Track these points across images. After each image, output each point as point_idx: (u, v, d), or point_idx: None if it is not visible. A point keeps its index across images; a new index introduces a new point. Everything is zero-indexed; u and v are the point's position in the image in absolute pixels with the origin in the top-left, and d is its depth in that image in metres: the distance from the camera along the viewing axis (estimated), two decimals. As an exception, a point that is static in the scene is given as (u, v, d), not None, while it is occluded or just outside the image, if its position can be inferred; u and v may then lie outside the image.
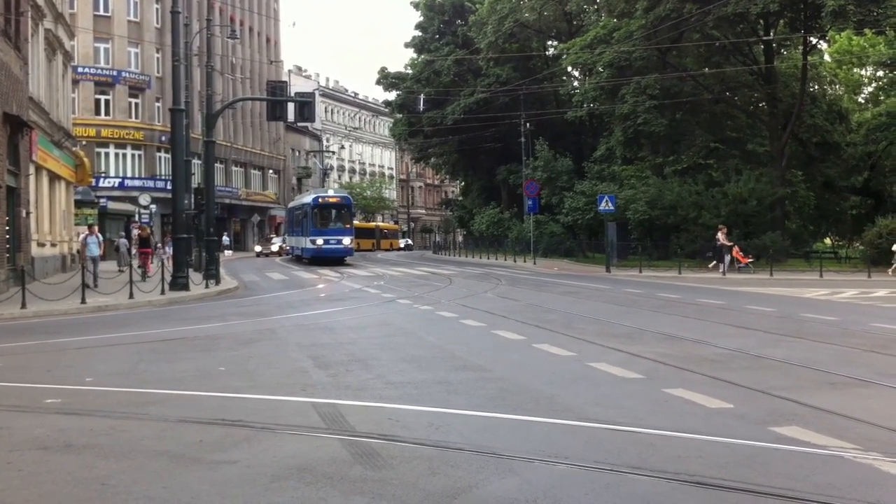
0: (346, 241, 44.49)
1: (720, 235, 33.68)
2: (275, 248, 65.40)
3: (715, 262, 33.64)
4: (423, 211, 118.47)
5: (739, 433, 6.80)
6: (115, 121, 57.59)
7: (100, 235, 26.51)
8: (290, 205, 60.59)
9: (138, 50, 59.28)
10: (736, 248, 33.75)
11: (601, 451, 6.30)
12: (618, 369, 9.94)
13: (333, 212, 44.60)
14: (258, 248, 67.64)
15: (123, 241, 38.84)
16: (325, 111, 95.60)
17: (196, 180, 38.41)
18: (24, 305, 18.59)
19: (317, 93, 69.52)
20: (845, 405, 7.89)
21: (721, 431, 6.86)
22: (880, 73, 54.00)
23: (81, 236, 28.83)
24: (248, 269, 41.45)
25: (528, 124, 53.50)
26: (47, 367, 11.12)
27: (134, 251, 36.39)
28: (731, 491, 5.32)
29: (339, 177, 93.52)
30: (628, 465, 5.87)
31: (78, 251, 36.93)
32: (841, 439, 6.54)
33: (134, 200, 48.63)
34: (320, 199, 45.06)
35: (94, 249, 25.49)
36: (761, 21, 40.38)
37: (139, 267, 29.49)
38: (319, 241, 43.47)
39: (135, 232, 38.25)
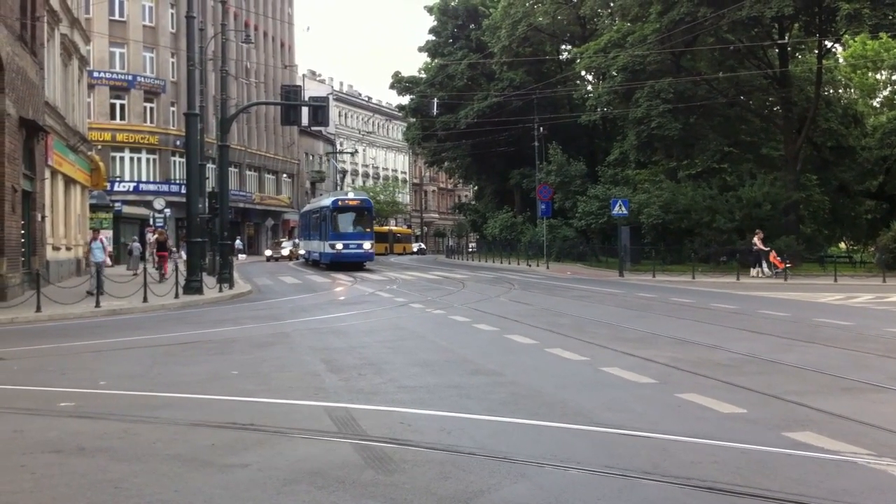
0: (367, 245, 42.64)
1: (756, 240, 33.51)
2: (285, 251, 64.22)
3: (755, 267, 33.30)
4: (437, 215, 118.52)
5: (752, 438, 6.77)
6: (130, 125, 57.89)
7: (104, 240, 25.75)
8: (305, 208, 59.44)
9: (153, 55, 59.60)
10: (773, 253, 33.46)
11: (613, 457, 6.29)
12: (630, 374, 9.92)
13: (353, 215, 42.86)
14: (268, 252, 66.04)
15: (136, 244, 39.06)
16: (339, 115, 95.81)
17: (210, 184, 38.60)
18: (38, 309, 18.69)
19: (330, 97, 69.64)
20: (859, 410, 7.85)
21: (734, 436, 6.83)
22: (895, 77, 53.74)
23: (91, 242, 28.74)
24: (261, 272, 41.55)
25: (541, 128, 53.42)
26: (61, 370, 11.17)
27: (150, 254, 36.63)
28: (744, 496, 5.30)
29: (353, 181, 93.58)
30: (640, 471, 5.86)
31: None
32: (854, 445, 6.51)
33: (149, 204, 48.85)
34: (340, 202, 43.32)
35: (99, 255, 24.36)
36: (776, 25, 40.22)
37: (156, 268, 29.60)
38: (339, 245, 41.59)
39: (151, 236, 38.38)
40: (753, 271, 32.84)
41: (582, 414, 7.84)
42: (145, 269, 24.47)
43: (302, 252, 57.33)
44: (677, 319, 17.28)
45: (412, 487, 5.51)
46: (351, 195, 45.96)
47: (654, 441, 6.76)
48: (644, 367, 10.41)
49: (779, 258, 33.25)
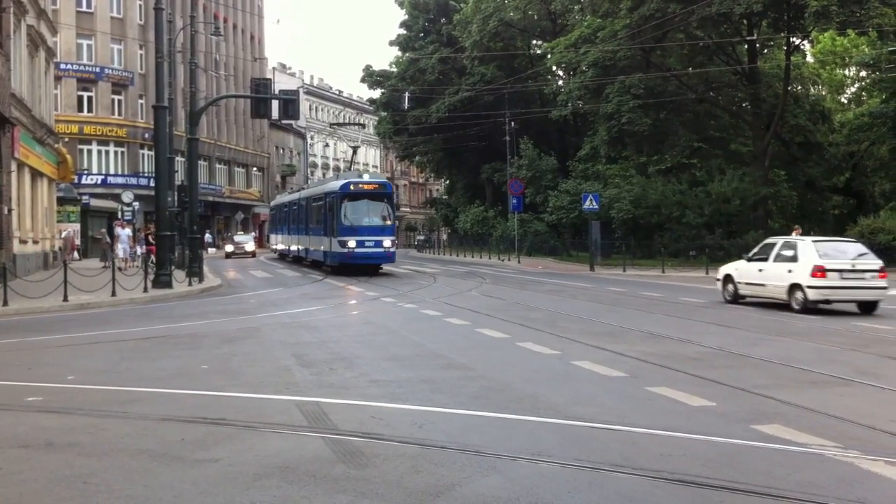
0: (388, 242, 32.56)
1: (795, 236, 33.38)
2: (249, 247, 57.37)
3: None
4: (408, 209, 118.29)
5: (721, 431, 6.84)
6: (97, 117, 57.21)
7: None
8: (282, 198, 52.86)
9: (121, 46, 58.91)
10: None
11: (584, 450, 6.32)
12: (601, 368, 9.97)
13: (370, 203, 32.81)
14: (229, 248, 57.15)
15: (107, 238, 38.76)
16: (310, 109, 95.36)
17: (179, 177, 38.29)
18: (5, 303, 18.47)
19: (301, 90, 69.30)
20: (826, 403, 7.95)
21: (703, 429, 6.89)
22: (863, 74, 54.34)
23: None
24: (230, 267, 41.29)
25: (512, 123, 53.55)
26: (29, 364, 11.06)
27: (142, 249, 36.63)
28: (714, 489, 5.35)
29: (324, 174, 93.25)
30: (611, 464, 5.89)
31: (60, 248, 36.83)
32: (822, 437, 6.59)
33: (117, 198, 48.26)
34: (352, 186, 32.77)
35: None
36: (745, 21, 40.57)
37: (147, 261, 29.29)
38: (351, 242, 31.62)
39: (119, 230, 38.00)
40: None
41: (553, 408, 7.87)
42: (114, 263, 24.21)
43: (276, 248, 52.06)
44: (648, 314, 17.38)
45: (383, 481, 5.51)
46: (366, 177, 35.37)
47: (625, 434, 6.81)
48: (615, 361, 10.47)
49: None
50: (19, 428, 7.18)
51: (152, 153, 39.06)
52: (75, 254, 40.35)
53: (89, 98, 57.01)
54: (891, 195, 48.07)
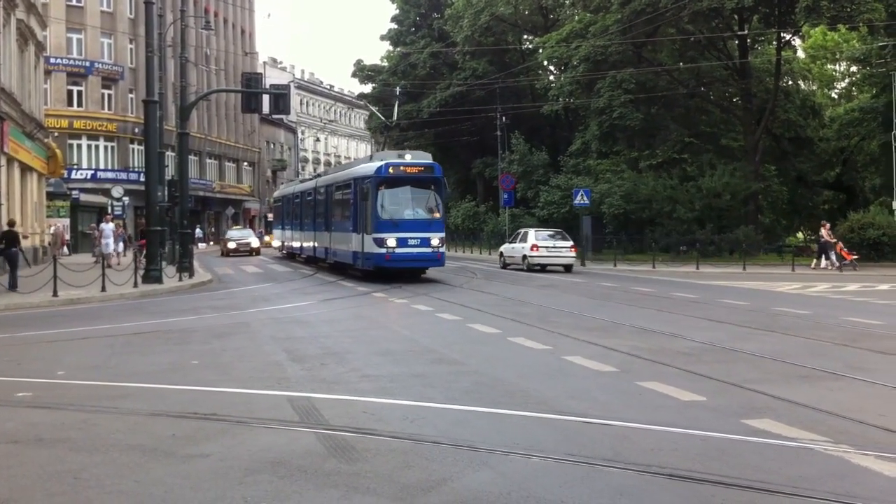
0: (436, 240, 26.28)
1: (823, 232, 33.14)
2: (254, 243, 51.64)
3: (817, 260, 32.81)
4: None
5: (712, 426, 6.85)
6: (87, 112, 56.94)
7: None
8: (290, 188, 46.92)
9: (111, 41, 58.62)
10: (840, 245, 32.84)
11: (575, 444, 6.33)
12: (592, 362, 9.98)
13: (414, 190, 26.60)
14: (232, 245, 50.71)
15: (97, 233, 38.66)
16: (301, 103, 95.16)
17: (170, 172, 38.13)
18: (-6, 298, 18.41)
19: (292, 85, 69.04)
20: (816, 398, 7.97)
21: (694, 424, 6.91)
22: (853, 69, 54.49)
23: None
24: (221, 262, 41.19)
25: (503, 118, 53.45)
26: (18, 360, 11.01)
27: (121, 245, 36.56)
28: (704, 483, 5.36)
29: (315, 169, 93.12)
30: (602, 458, 5.90)
31: (50, 243, 36.69)
32: (812, 432, 6.61)
33: (107, 192, 48.11)
34: (391, 169, 26.06)
35: None
36: (736, 16, 40.62)
37: (142, 256, 29.22)
38: (391, 241, 25.18)
39: (106, 225, 37.89)
40: (823, 263, 32.10)
41: (544, 402, 7.87)
42: (103, 258, 24.11)
43: (285, 245, 45.33)
44: (638, 308, 17.41)
45: (375, 476, 5.51)
46: (408, 157, 27.71)
47: (616, 429, 6.82)
48: (606, 356, 10.48)
49: (846, 249, 32.60)
50: (9, 424, 7.16)
51: (142, 148, 38.91)
52: (65, 249, 40.21)
53: (79, 92, 56.72)
54: (881, 190, 48.26)
